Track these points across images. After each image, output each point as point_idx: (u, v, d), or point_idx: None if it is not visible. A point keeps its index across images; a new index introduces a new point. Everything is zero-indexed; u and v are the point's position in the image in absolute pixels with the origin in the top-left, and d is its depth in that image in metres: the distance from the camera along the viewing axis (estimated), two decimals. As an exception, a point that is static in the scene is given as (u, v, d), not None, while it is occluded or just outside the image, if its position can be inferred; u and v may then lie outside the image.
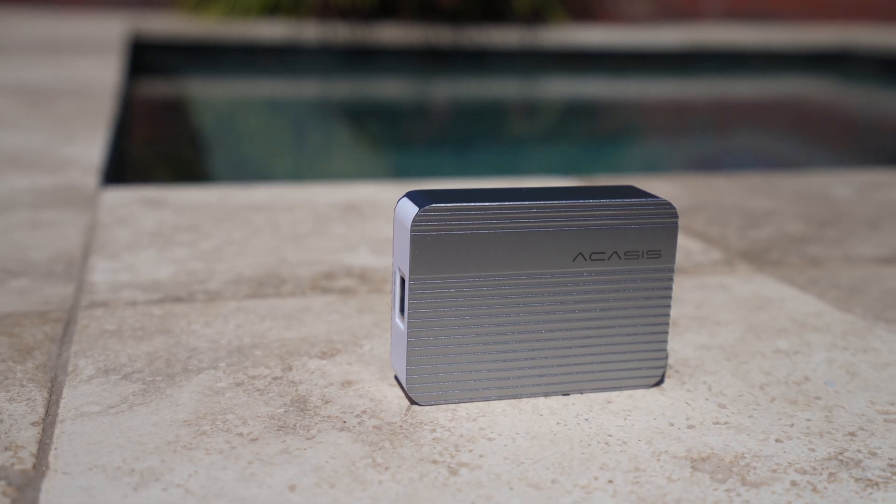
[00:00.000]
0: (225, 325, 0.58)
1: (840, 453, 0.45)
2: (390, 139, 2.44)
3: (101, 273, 0.67)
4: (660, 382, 0.52)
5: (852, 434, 0.47)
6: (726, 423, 0.48)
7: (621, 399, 0.50)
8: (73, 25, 3.42)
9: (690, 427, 0.47)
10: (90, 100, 1.52)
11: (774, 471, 0.43)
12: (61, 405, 0.47)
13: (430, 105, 3.26)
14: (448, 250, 0.47)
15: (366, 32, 3.72)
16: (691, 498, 0.41)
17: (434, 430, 0.46)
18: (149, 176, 1.71)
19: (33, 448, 0.43)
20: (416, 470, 0.42)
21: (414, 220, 0.46)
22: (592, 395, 0.50)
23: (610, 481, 0.42)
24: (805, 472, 0.43)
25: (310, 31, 3.67)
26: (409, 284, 0.47)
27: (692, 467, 0.43)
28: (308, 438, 0.44)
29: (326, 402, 0.48)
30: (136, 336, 0.56)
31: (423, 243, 0.46)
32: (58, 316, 0.59)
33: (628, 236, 0.49)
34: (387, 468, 0.42)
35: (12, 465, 0.41)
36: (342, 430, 0.45)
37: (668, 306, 0.51)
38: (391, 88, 3.53)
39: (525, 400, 0.49)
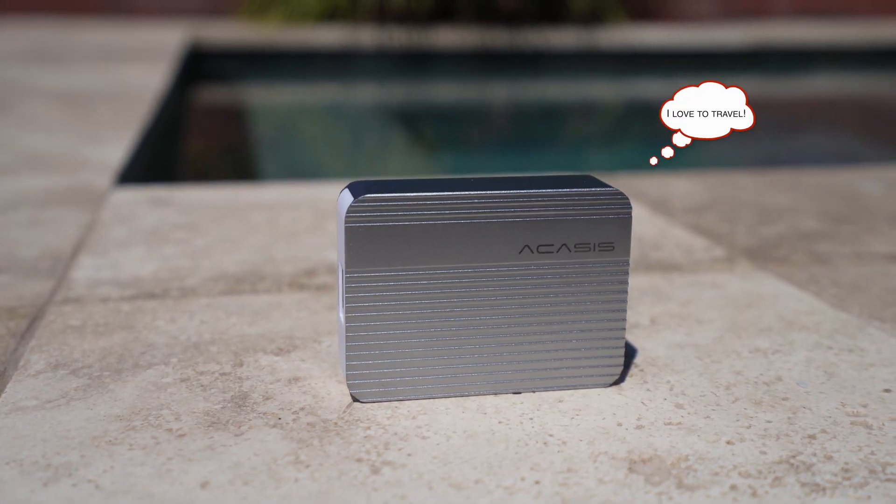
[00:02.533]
0: (189, 321, 0.58)
1: (793, 456, 0.42)
2: (447, 142, 2.43)
3: (85, 270, 0.67)
4: (619, 381, 0.50)
5: (811, 437, 0.44)
6: (679, 423, 0.45)
7: (574, 398, 0.48)
8: (135, 35, 3.49)
9: (639, 427, 0.45)
10: (127, 104, 1.54)
11: (716, 474, 0.41)
12: (0, 399, 0.47)
13: (487, 108, 3.24)
14: (386, 243, 0.45)
15: (422, 36, 3.72)
16: (618, 501, 0.39)
17: (369, 428, 0.44)
18: (202, 178, 1.74)
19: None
20: (337, 468, 0.41)
21: (348, 211, 0.45)
22: (545, 394, 0.48)
23: (537, 482, 0.40)
24: (749, 476, 0.41)
25: (366, 36, 3.69)
26: (346, 278, 0.46)
27: (629, 469, 0.41)
28: (237, 435, 0.44)
29: (267, 399, 0.47)
30: (97, 332, 0.56)
31: (359, 235, 0.45)
32: (26, 312, 0.59)
33: (578, 228, 0.47)
34: (307, 466, 0.41)
35: (-68, 457, 0.41)
36: (274, 426, 0.44)
37: (624, 302, 0.48)
38: (448, 92, 3.53)
39: (473, 398, 0.48)
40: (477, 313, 0.47)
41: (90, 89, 1.72)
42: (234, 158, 2.05)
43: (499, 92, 3.57)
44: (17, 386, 0.48)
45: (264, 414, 0.46)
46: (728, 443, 0.44)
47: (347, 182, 0.48)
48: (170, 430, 0.44)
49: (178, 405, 0.46)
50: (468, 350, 0.47)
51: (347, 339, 0.46)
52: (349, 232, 0.45)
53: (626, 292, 0.48)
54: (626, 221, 0.48)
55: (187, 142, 2.29)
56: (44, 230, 0.78)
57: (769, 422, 0.46)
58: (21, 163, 1.05)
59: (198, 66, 3.81)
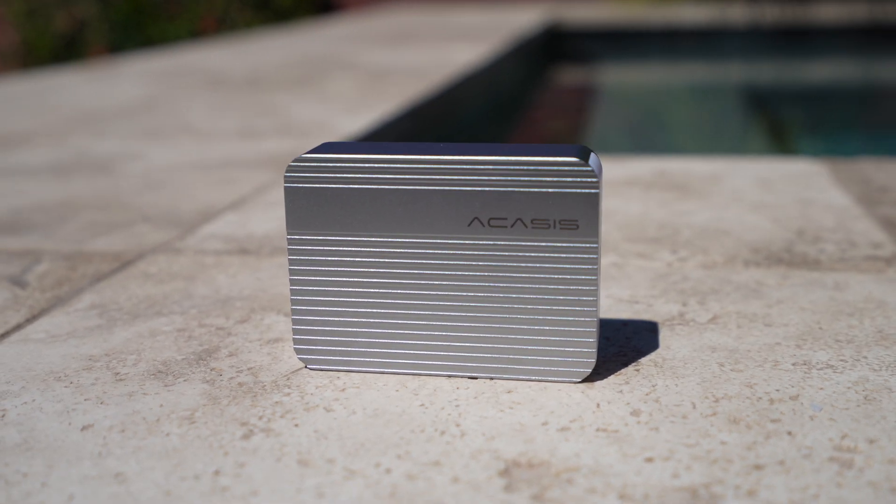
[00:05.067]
0: (247, 277, 0.60)
1: (707, 485, 0.35)
2: (820, 126, 2.26)
3: (215, 225, 0.72)
4: (604, 378, 0.44)
5: (757, 467, 0.36)
6: (614, 431, 0.39)
7: (528, 391, 0.43)
8: (499, 16, 3.61)
9: (562, 430, 0.39)
10: (418, 79, 1.61)
11: (592, 491, 0.35)
12: (25, 329, 0.52)
13: (872, 89, 2.96)
14: (326, 206, 0.44)
15: (798, 11, 3.48)
16: (450, 503, 0.34)
17: (288, 395, 0.43)
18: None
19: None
20: (215, 429, 0.40)
21: (286, 171, 0.44)
22: (503, 383, 0.44)
23: (388, 471, 0.37)
24: (628, 499, 0.34)
25: (736, 13, 3.52)
26: (287, 240, 0.45)
27: (502, 472, 0.36)
28: (165, 385, 0.45)
29: (229, 356, 0.48)
30: (159, 280, 0.60)
31: (298, 196, 0.44)
32: (127, 257, 0.65)
33: (535, 202, 0.42)
34: (192, 423, 0.41)
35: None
36: (206, 382, 0.45)
37: (594, 289, 0.43)
38: (825, 71, 3.26)
39: (422, 378, 0.45)
40: (427, 288, 0.44)
41: (398, 65, 1.81)
42: (572, 136, 2.06)
43: (889, 72, 3.24)
44: (44, 319, 0.53)
45: (212, 370, 0.46)
46: (647, 460, 0.37)
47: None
48: (117, 373, 0.46)
49: (149, 352, 0.48)
50: (419, 327, 0.44)
51: (292, 303, 0.45)
52: (287, 192, 0.44)
53: (595, 278, 0.42)
54: (591, 197, 0.42)
55: (539, 119, 2.33)
56: (221, 188, 0.84)
57: (723, 443, 0.38)
58: (275, 130, 1.14)
59: (558, 45, 3.87)
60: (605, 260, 0.62)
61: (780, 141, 2.03)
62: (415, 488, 0.35)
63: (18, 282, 0.60)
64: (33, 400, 0.43)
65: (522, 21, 3.27)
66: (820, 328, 0.50)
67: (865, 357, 0.46)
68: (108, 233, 0.71)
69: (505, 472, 0.36)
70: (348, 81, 1.61)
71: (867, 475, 0.35)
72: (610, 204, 0.77)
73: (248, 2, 4.71)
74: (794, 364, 0.45)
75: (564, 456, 0.37)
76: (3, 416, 0.42)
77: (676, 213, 0.74)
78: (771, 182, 0.84)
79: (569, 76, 3.39)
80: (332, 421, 0.41)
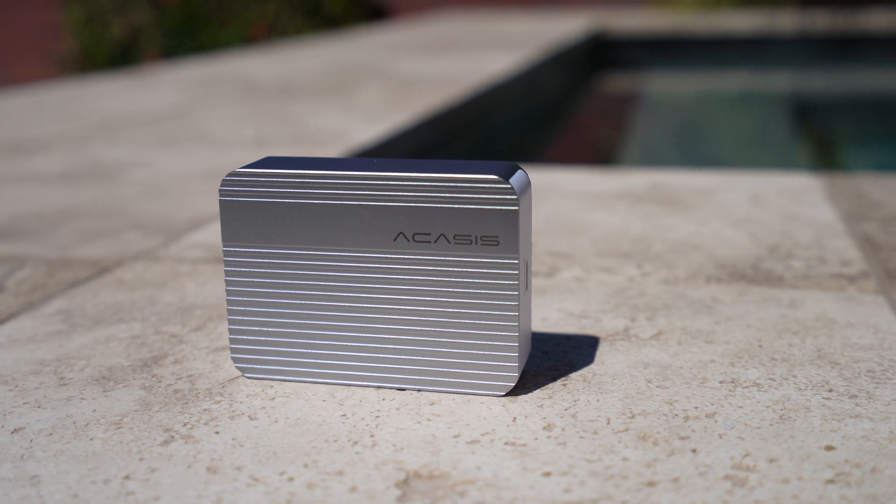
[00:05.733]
0: (214, 286, 0.61)
1: (595, 501, 0.35)
2: (870, 137, 2.23)
3: (201, 234, 0.74)
4: (529, 392, 0.45)
5: (650, 483, 0.37)
6: (522, 445, 0.40)
7: (450, 404, 0.44)
8: (544, 25, 3.61)
9: (471, 442, 0.40)
10: (444, 88, 1.62)
11: (481, 503, 0.36)
12: (-11, 334, 0.54)
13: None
14: (259, 219, 0.45)
15: (849, 19, 3.43)
16: (339, 513, 0.35)
17: (218, 402, 0.45)
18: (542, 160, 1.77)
19: None
20: (138, 434, 0.42)
21: (221, 184, 0.45)
22: (430, 395, 0.45)
23: (291, 479, 0.38)
24: (512, 515, 0.35)
25: (785, 21, 3.47)
26: (223, 252, 0.46)
27: (400, 482, 0.37)
28: (104, 391, 0.46)
29: (174, 363, 0.49)
30: (131, 287, 0.61)
31: (233, 209, 0.45)
32: (106, 264, 0.67)
33: (456, 218, 0.43)
34: (119, 428, 0.42)
35: None
36: (143, 388, 0.46)
37: (515, 303, 0.43)
38: (877, 80, 3.21)
39: (353, 389, 0.46)
40: (355, 301, 0.45)
41: (429, 74, 1.83)
42: (614, 144, 2.06)
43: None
44: (9, 324, 0.55)
45: (153, 376, 0.48)
46: (545, 474, 0.38)
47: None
48: (62, 377, 0.48)
49: (99, 358, 0.50)
50: (349, 339, 0.45)
51: (229, 313, 0.46)
52: (222, 205, 0.45)
53: (516, 292, 0.43)
54: (511, 215, 0.42)
55: (576, 127, 2.33)
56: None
57: (625, 459, 0.38)
58: (290, 139, 1.16)
59: (604, 53, 3.85)
60: (568, 274, 0.63)
61: (828, 153, 2.00)
62: (311, 497, 0.36)
63: (-2, 287, 0.62)
64: (-24, 402, 0.45)
65: (566, 29, 3.27)
66: (760, 346, 0.50)
67: (795, 376, 0.46)
68: (95, 240, 0.73)
69: (403, 483, 0.37)
70: (377, 90, 1.63)
71: (756, 494, 0.35)
72: (592, 217, 0.78)
73: (298, 9, 4.77)
74: (721, 382, 0.45)
75: (465, 469, 0.38)
76: (-54, 417, 0.44)
77: (656, 228, 0.74)
78: (764, 197, 0.84)
79: (614, 84, 3.38)
80: (253, 429, 0.42)
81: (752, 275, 0.61)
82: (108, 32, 4.82)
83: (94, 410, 0.44)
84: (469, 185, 0.42)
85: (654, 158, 2.02)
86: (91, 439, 0.41)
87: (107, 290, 0.61)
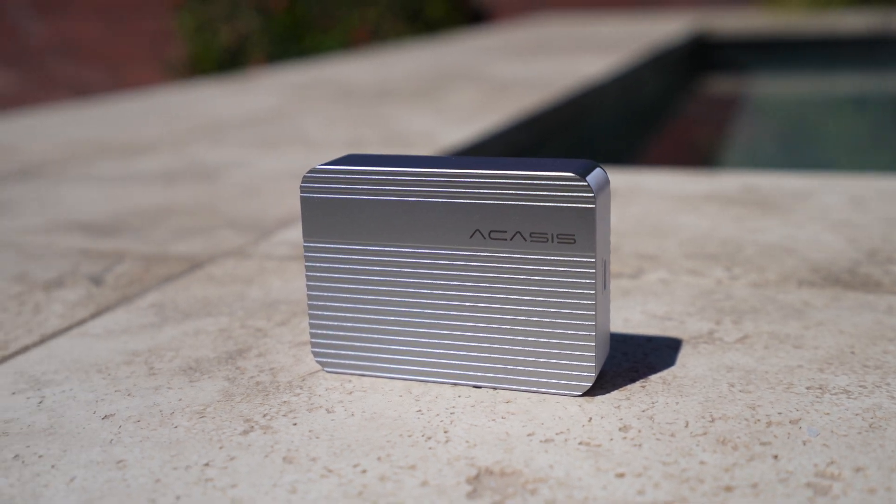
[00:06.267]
0: (299, 283, 0.62)
1: (668, 503, 0.35)
2: None
3: (291, 232, 0.75)
4: (607, 392, 0.44)
5: (728, 489, 0.36)
6: (597, 445, 0.40)
7: (525, 402, 0.44)
8: (641, 27, 3.57)
9: (544, 441, 0.40)
10: (537, 91, 1.62)
11: (552, 502, 0.35)
12: (87, 324, 0.56)
13: None
14: (339, 216, 0.46)
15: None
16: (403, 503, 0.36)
17: (297, 395, 0.45)
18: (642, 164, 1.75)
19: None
20: (220, 423, 0.43)
21: (302, 181, 0.46)
22: (501, 393, 0.45)
23: (364, 471, 0.38)
24: (582, 514, 0.35)
25: (900, 20, 3.34)
26: (304, 247, 0.47)
27: (472, 478, 0.37)
28: (191, 381, 0.48)
29: (258, 356, 0.50)
30: (219, 282, 0.63)
31: (313, 206, 0.46)
32: (198, 260, 0.68)
33: (533, 215, 0.43)
34: (202, 417, 0.44)
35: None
36: (227, 379, 0.48)
37: (592, 302, 0.43)
38: None
39: (429, 385, 0.46)
40: (431, 297, 0.45)
41: (523, 77, 1.82)
42: (715, 147, 2.02)
43: None
44: (107, 316, 0.57)
45: (237, 368, 0.49)
46: (618, 475, 0.37)
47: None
48: (151, 367, 0.49)
49: (187, 350, 0.52)
50: (426, 335, 0.46)
51: (309, 308, 0.47)
52: (303, 202, 0.46)
53: (592, 292, 0.43)
54: (588, 213, 0.42)
55: (675, 131, 2.30)
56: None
57: (702, 463, 0.38)
58: (381, 140, 1.17)
59: (707, 55, 3.78)
60: (654, 275, 0.62)
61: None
62: (383, 489, 0.37)
63: (96, 280, 0.64)
64: (71, 389, 0.47)
65: (667, 31, 3.22)
66: (852, 352, 0.48)
67: (888, 384, 0.44)
68: (190, 237, 0.75)
69: (474, 479, 0.37)
70: (469, 93, 1.63)
71: (839, 503, 0.34)
72: (680, 219, 0.76)
73: (400, 14, 4.81)
74: (808, 388, 0.44)
75: (538, 467, 0.38)
76: (41, 402, 0.46)
77: (747, 230, 0.72)
78: (864, 200, 0.81)
79: (717, 87, 3.32)
80: (330, 422, 0.42)
81: (847, 279, 0.59)
82: (217, 39, 4.95)
83: (180, 400, 0.45)
84: (546, 182, 0.42)
85: (757, 163, 1.97)
86: (175, 427, 0.42)
87: (198, 285, 0.63)
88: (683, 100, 3.02)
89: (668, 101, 2.94)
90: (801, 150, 2.03)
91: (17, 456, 0.40)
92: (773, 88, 3.24)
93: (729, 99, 3.01)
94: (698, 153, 1.97)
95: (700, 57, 3.65)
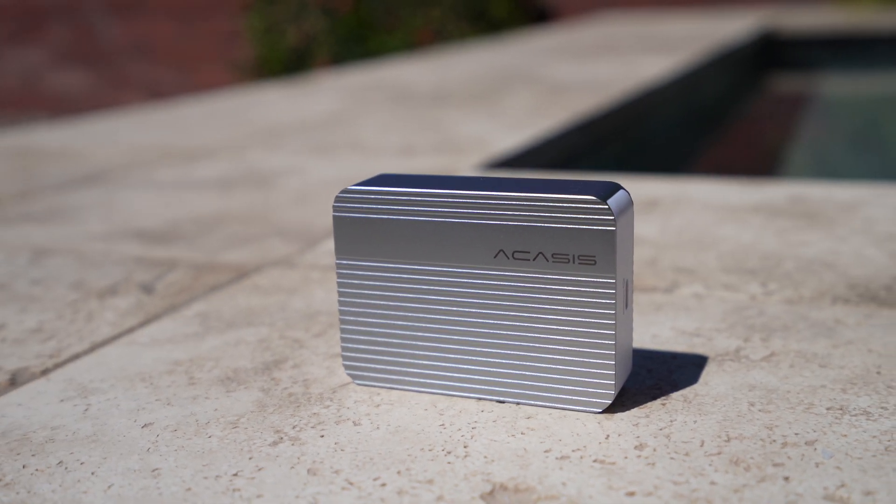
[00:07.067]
0: (340, 293, 0.64)
1: (673, 526, 0.36)
2: None
3: (335, 241, 0.77)
4: (628, 409, 0.45)
5: (732, 511, 0.37)
6: (611, 463, 0.41)
7: (546, 418, 0.45)
8: (709, 25, 3.53)
9: (560, 458, 0.41)
10: (594, 94, 1.62)
11: (559, 521, 0.37)
12: (135, 332, 0.59)
13: None
14: (368, 235, 0.47)
15: None
16: (423, 520, 0.37)
17: (327, 407, 0.47)
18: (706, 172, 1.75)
19: (47, 363, 0.55)
20: (250, 434, 0.45)
21: (335, 201, 0.48)
22: (526, 409, 0.46)
23: (383, 484, 0.40)
24: (588, 532, 0.36)
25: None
26: (336, 265, 0.49)
27: (485, 493, 0.39)
28: (227, 391, 0.50)
29: (293, 367, 0.52)
30: (265, 292, 0.65)
31: (345, 225, 0.48)
32: (245, 270, 0.71)
33: (555, 237, 0.44)
34: (235, 427, 0.46)
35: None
36: (261, 390, 0.50)
37: (612, 322, 0.44)
38: None
39: (454, 399, 0.47)
40: (458, 314, 0.47)
41: (580, 79, 1.83)
42: (782, 149, 2.01)
43: None
44: (154, 325, 0.60)
45: (272, 379, 0.51)
46: (629, 494, 0.38)
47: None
48: (192, 377, 0.52)
49: (226, 360, 0.54)
50: (452, 350, 0.47)
51: (341, 322, 0.49)
52: (335, 221, 0.48)
53: (612, 312, 0.44)
54: (608, 235, 0.43)
55: (721, 130, 2.28)
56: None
57: (713, 483, 0.38)
58: (433, 146, 1.19)
59: (776, 54, 3.73)
60: (688, 290, 0.62)
61: None
62: (399, 503, 0.38)
63: (147, 289, 0.67)
64: (115, 397, 0.49)
65: (734, 29, 3.18)
66: (878, 373, 0.48)
67: (910, 406, 0.44)
68: (241, 245, 0.78)
69: (488, 495, 0.38)
70: (525, 96, 1.64)
71: (843, 528, 0.35)
72: (723, 231, 0.76)
73: (463, 14, 4.83)
74: (828, 408, 0.44)
75: (551, 484, 0.39)
76: (87, 409, 0.48)
77: (790, 244, 0.72)
78: (913, 211, 0.80)
79: (785, 86, 3.27)
80: (355, 434, 0.44)
81: (883, 296, 0.59)
82: (284, 40, 5.03)
83: (216, 410, 0.47)
84: (567, 205, 0.43)
85: (824, 167, 1.94)
86: (209, 437, 0.44)
87: (242, 295, 0.65)
88: (750, 100, 2.98)
89: (733, 101, 2.90)
90: (867, 153, 2.00)
91: (60, 462, 0.42)
92: (843, 88, 3.18)
93: (797, 98, 2.96)
94: (763, 155, 1.95)
95: (768, 55, 3.60)
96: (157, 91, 5.73)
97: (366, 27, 4.91)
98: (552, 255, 0.44)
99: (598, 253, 0.43)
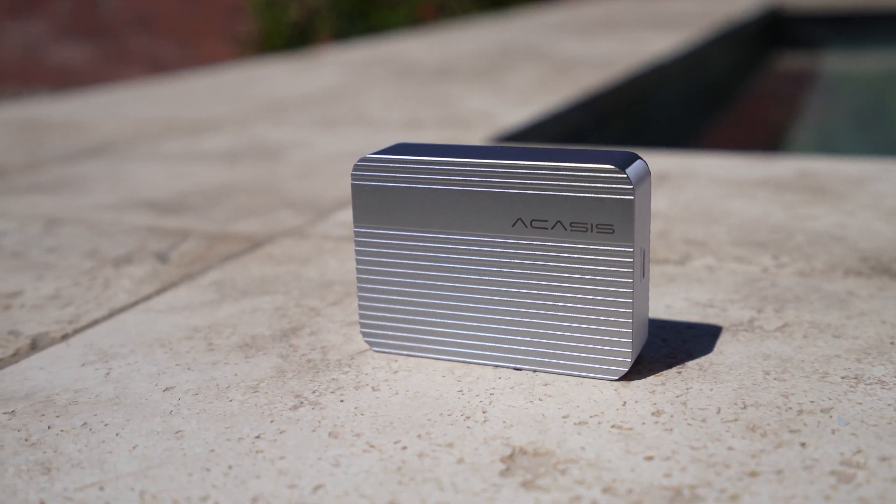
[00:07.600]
0: (353, 263, 0.65)
1: (693, 487, 0.36)
2: None
3: (348, 213, 0.78)
4: (643, 377, 0.46)
5: (753, 474, 0.37)
6: (629, 429, 0.41)
7: (563, 385, 0.45)
8: (714, 3, 3.52)
9: (578, 424, 0.42)
10: (599, 70, 1.62)
11: (581, 483, 0.37)
12: (152, 300, 0.59)
13: None
14: (387, 203, 0.48)
15: None
16: (447, 482, 0.38)
17: (346, 372, 0.48)
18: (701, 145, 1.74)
19: (66, 328, 0.56)
20: (271, 398, 0.45)
21: (353, 170, 0.48)
22: (543, 376, 0.47)
23: (404, 447, 0.40)
24: (612, 493, 0.36)
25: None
26: (354, 233, 0.49)
27: (506, 457, 0.39)
28: (246, 357, 0.50)
29: (311, 334, 0.53)
30: (277, 262, 0.66)
31: (363, 193, 0.48)
32: (257, 240, 0.71)
33: (574, 205, 0.44)
34: (255, 391, 0.46)
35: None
36: (280, 356, 0.50)
37: (629, 290, 0.44)
38: None
39: (470, 366, 0.48)
40: (476, 283, 0.47)
41: (586, 56, 1.82)
42: (786, 127, 2.01)
43: None
44: (170, 292, 0.60)
45: (290, 346, 0.51)
46: (647, 458, 0.39)
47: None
48: (210, 343, 0.52)
49: (245, 327, 0.54)
50: (469, 318, 0.47)
51: (359, 290, 0.49)
52: (354, 189, 0.48)
53: (630, 280, 0.44)
54: (626, 204, 0.43)
55: (726, 107, 2.28)
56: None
57: (730, 449, 0.39)
58: (439, 121, 1.19)
59: (780, 31, 3.72)
60: (700, 262, 0.63)
61: None
62: (421, 465, 0.39)
63: (162, 258, 0.67)
64: (136, 362, 0.50)
65: (739, 6, 3.17)
66: (892, 343, 0.49)
67: (923, 375, 0.45)
68: (251, 216, 0.78)
69: (508, 458, 0.39)
70: (531, 72, 1.64)
71: (861, 491, 0.35)
72: (731, 205, 0.77)
73: (466, -10, 4.81)
74: (843, 377, 0.45)
75: (569, 448, 0.39)
76: (108, 373, 0.49)
77: (798, 217, 0.72)
78: (921, 187, 0.80)
79: (789, 64, 3.26)
80: (375, 399, 0.45)
81: (895, 269, 0.60)
82: (286, 15, 5.00)
83: (236, 375, 0.48)
84: (585, 174, 0.43)
85: (829, 145, 1.94)
86: (230, 401, 0.45)
87: (256, 264, 0.65)
88: (755, 77, 2.98)
89: (738, 78, 2.90)
90: (873, 129, 2.00)
91: (85, 423, 0.43)
92: (848, 65, 3.17)
93: (802, 75, 2.96)
94: (767, 132, 1.95)
95: (773, 33, 3.59)
96: (158, 65, 5.71)
97: (368, 2, 4.89)
98: (570, 224, 0.44)
99: (617, 222, 0.44)
